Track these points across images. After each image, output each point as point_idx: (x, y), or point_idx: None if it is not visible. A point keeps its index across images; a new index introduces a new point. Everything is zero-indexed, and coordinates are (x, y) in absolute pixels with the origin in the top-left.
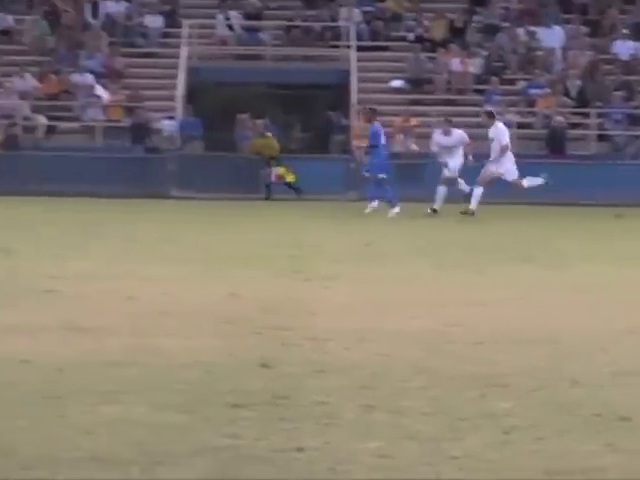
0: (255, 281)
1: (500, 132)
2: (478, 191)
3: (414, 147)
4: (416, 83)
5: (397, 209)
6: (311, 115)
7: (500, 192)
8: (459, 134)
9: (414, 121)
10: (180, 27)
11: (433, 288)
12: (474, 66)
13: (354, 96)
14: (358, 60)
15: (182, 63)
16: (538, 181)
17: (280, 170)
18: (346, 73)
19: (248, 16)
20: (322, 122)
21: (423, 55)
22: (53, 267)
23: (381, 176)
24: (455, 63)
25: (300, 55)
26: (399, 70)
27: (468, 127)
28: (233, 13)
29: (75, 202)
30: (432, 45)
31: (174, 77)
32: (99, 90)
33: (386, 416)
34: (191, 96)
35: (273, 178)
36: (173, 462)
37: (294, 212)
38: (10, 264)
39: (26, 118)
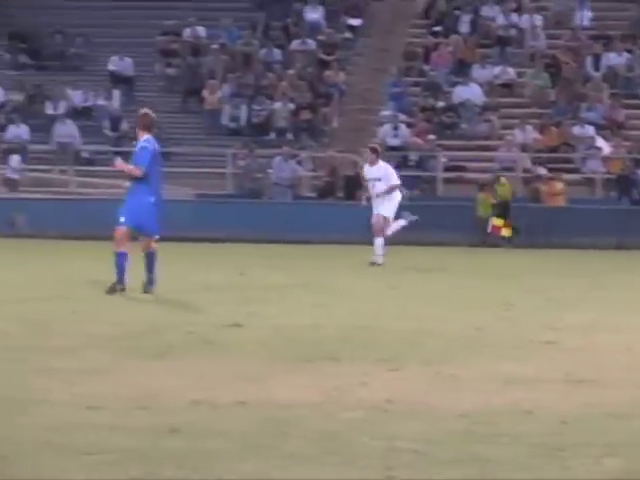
0: None
1: (388, 172)
2: (379, 241)
3: None
4: None
5: None
6: None
7: None
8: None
9: None
10: None
11: None
12: None
13: None
14: None
15: None
16: (401, 223)
17: (497, 222)
18: None
19: None
20: None
21: None
22: (552, 318)
23: None
24: None
25: None
26: None
27: None
28: None
29: (579, 254)
30: None
31: None
32: (599, 142)
33: None
34: None
35: (489, 228)
36: None
37: None
38: (511, 315)
39: (526, 170)
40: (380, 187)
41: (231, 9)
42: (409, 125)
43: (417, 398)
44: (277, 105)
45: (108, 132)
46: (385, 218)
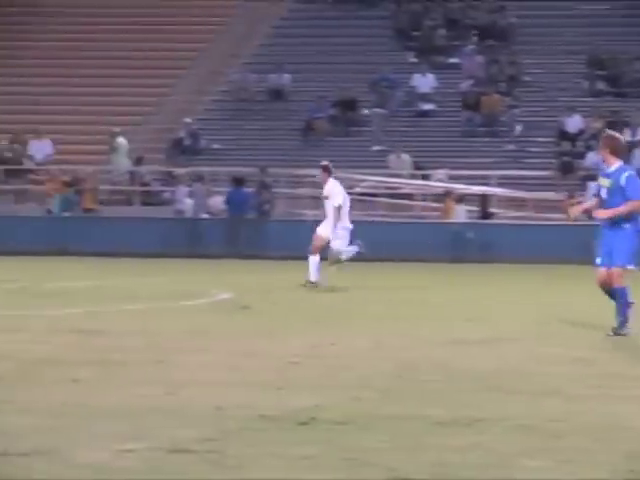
0: None
1: (335, 191)
2: (314, 259)
3: None
4: None
5: None
6: None
7: None
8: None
9: None
10: None
11: None
12: None
13: None
14: None
15: None
16: (353, 250)
17: None
18: None
19: None
20: None
21: None
22: None
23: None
24: None
25: None
26: None
27: None
28: None
29: None
30: None
31: None
32: None
33: None
34: None
35: None
36: None
37: None
38: None
39: None
40: (327, 206)
41: None
42: None
43: None
44: None
45: None
46: (322, 238)
